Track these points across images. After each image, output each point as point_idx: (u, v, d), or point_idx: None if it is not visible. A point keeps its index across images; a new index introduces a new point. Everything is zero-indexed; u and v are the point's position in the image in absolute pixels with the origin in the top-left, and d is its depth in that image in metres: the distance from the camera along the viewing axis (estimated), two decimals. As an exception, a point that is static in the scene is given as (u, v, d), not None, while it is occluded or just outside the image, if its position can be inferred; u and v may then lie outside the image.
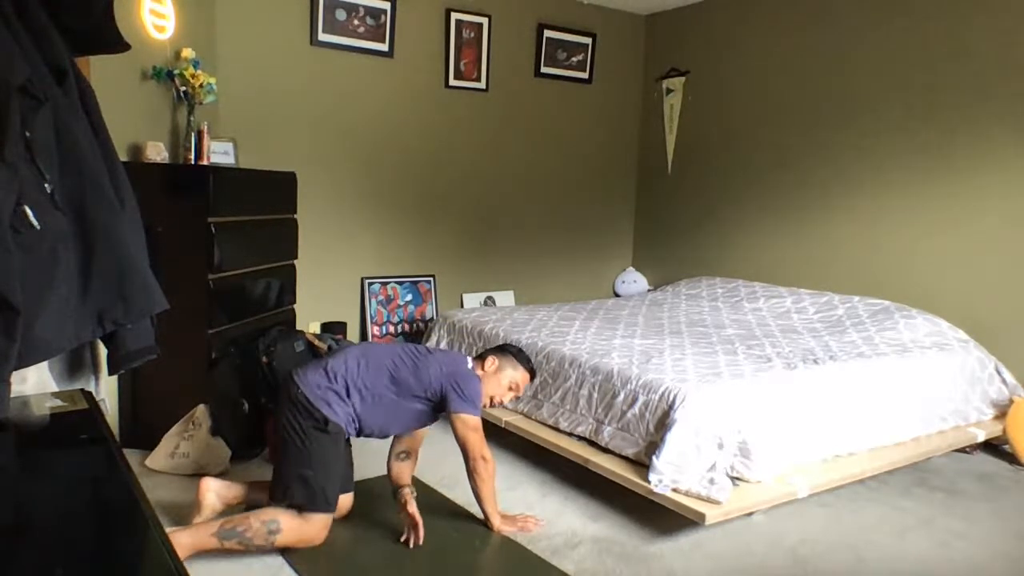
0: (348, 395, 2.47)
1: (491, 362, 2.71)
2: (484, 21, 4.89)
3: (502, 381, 2.70)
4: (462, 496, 2.87)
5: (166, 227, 3.01)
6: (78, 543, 0.97)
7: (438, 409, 2.58)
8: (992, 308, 3.76)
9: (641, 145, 5.80)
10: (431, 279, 4.97)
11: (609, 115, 5.63)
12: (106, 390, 1.84)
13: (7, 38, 1.33)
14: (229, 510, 2.54)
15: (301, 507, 2.39)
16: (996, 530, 2.77)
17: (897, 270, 4.17)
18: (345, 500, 2.60)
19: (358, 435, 2.57)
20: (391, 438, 2.77)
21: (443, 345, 4.05)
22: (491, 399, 2.71)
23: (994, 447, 3.53)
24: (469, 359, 2.70)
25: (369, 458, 3.31)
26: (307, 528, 2.39)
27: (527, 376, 2.78)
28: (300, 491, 2.38)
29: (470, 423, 2.53)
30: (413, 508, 2.57)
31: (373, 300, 4.72)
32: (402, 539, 2.55)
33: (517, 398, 3.00)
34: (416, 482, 3.04)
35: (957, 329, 3.69)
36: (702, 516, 2.44)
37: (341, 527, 2.64)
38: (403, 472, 2.74)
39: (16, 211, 1.28)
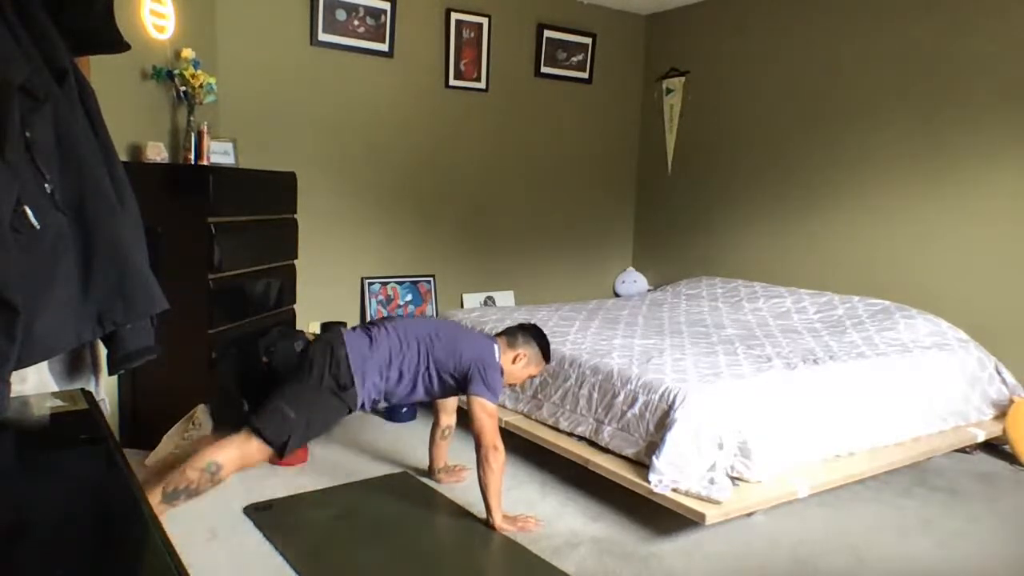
0: (388, 370, 2.60)
1: (521, 357, 2.84)
2: (484, 21, 4.89)
3: (523, 374, 2.89)
4: (462, 496, 2.88)
5: (166, 227, 3.01)
6: (78, 543, 0.97)
7: (462, 387, 2.67)
8: (992, 308, 3.76)
9: (641, 145, 5.80)
10: (431, 279, 4.97)
11: (609, 115, 5.63)
12: (106, 390, 1.84)
13: (7, 38, 1.33)
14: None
15: (258, 432, 2.38)
16: (996, 530, 2.77)
17: (897, 270, 4.16)
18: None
19: (375, 405, 2.68)
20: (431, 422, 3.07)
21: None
22: (511, 385, 2.94)
23: (994, 447, 3.53)
24: (496, 345, 2.76)
25: (369, 457, 3.31)
26: (248, 449, 2.38)
27: (545, 367, 3.01)
28: (272, 423, 2.39)
29: (488, 408, 2.61)
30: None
31: (373, 300, 4.72)
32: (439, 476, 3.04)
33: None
34: (416, 482, 3.05)
35: (957, 329, 3.68)
36: (702, 516, 2.44)
37: (342, 526, 2.64)
38: (443, 453, 3.08)
39: (16, 211, 1.27)
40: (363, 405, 2.57)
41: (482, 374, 2.62)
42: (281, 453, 2.42)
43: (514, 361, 2.82)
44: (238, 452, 2.36)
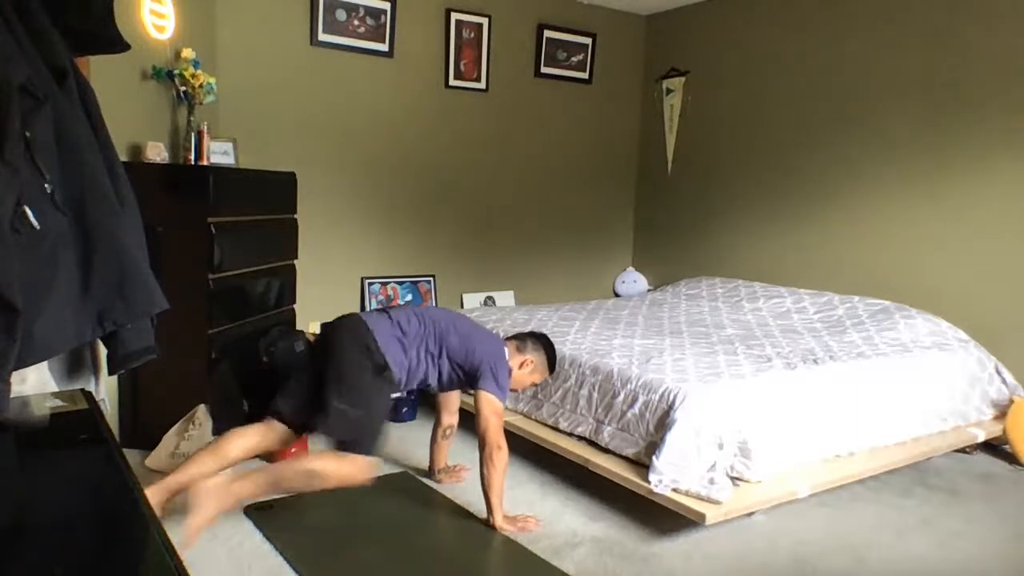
0: (409, 350, 2.61)
1: (528, 363, 2.86)
2: (484, 21, 4.89)
3: (527, 380, 2.90)
4: (462, 496, 2.88)
5: (166, 227, 3.01)
6: (78, 543, 0.97)
7: (469, 380, 2.68)
8: (992, 308, 3.76)
9: (641, 145, 5.80)
10: (431, 279, 4.97)
11: (609, 115, 5.62)
12: (106, 390, 1.84)
13: (7, 38, 1.33)
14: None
15: (343, 446, 2.43)
16: (996, 530, 2.77)
17: (897, 270, 4.16)
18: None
19: (409, 387, 2.71)
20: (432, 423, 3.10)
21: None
22: (512, 390, 2.91)
23: (994, 447, 3.53)
24: (506, 348, 2.80)
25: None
26: (347, 467, 2.40)
27: (548, 377, 3.03)
28: (340, 428, 2.43)
29: (495, 405, 2.62)
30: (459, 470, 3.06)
31: (373, 300, 4.72)
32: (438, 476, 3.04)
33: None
34: (416, 482, 3.04)
35: (957, 329, 3.69)
36: (702, 516, 2.44)
37: (342, 526, 2.64)
38: (443, 453, 3.07)
39: (16, 211, 1.27)
40: (400, 384, 2.61)
41: (493, 371, 2.64)
42: (367, 453, 2.45)
43: (521, 366, 2.83)
44: (334, 465, 2.39)
